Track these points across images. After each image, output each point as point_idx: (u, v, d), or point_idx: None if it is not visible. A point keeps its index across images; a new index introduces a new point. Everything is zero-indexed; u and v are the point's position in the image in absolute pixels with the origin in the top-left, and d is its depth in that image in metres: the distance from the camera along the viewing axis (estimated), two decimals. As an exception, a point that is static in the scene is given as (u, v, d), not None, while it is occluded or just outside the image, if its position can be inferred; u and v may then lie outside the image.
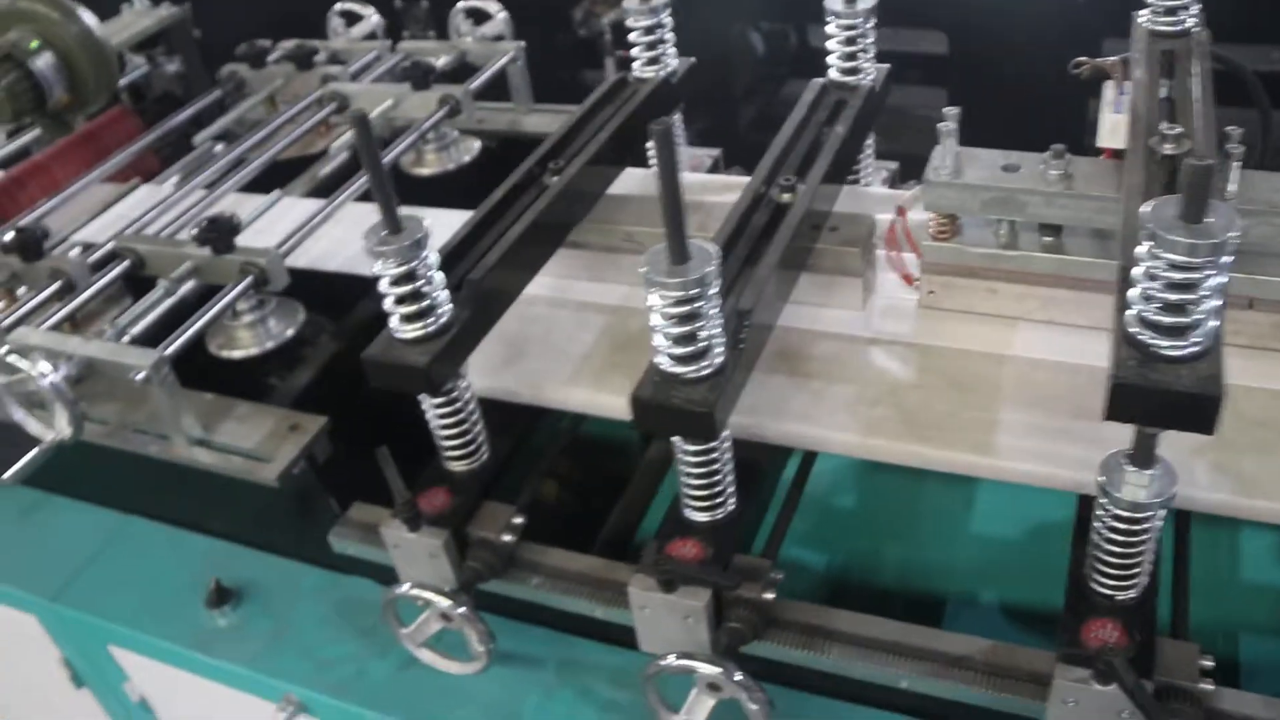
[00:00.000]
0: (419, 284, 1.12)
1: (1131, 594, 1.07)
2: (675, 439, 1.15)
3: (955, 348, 1.32)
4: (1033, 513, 1.63)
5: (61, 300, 1.51)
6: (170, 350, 1.34)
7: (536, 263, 1.40)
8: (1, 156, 1.89)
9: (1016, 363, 1.30)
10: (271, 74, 1.96)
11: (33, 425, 1.38)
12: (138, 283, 1.54)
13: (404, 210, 1.12)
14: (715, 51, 2.38)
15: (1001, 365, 1.30)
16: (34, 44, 1.64)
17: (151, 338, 1.40)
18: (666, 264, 0.99)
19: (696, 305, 1.00)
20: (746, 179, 1.46)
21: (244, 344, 1.54)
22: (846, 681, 1.21)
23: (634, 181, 1.59)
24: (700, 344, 1.03)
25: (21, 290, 1.57)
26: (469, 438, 1.31)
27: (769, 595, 1.17)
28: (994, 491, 1.64)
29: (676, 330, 1.01)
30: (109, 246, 1.57)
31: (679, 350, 1.03)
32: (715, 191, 1.57)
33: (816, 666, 1.19)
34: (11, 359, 1.31)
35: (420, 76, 1.75)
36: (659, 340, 1.03)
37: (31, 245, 1.52)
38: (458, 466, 1.33)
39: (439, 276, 1.13)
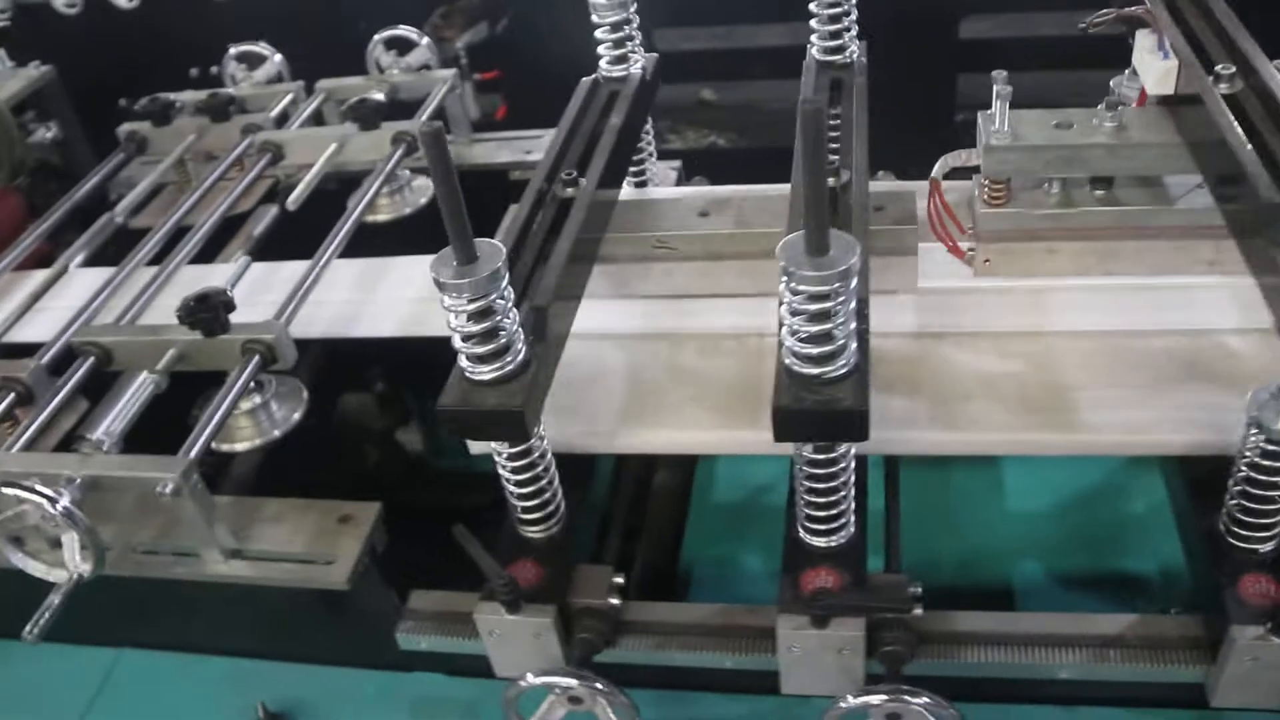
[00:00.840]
0: (498, 318, 0.99)
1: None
2: (804, 456, 1.08)
3: (1022, 331, 1.29)
4: (1059, 484, 1.60)
5: (15, 416, 1.29)
6: (194, 454, 1.15)
7: (583, 283, 1.28)
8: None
9: (1091, 337, 1.28)
10: (181, 130, 1.74)
11: (36, 567, 1.16)
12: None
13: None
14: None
15: (1076, 340, 1.27)
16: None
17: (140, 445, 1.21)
18: (806, 258, 0.91)
19: (837, 301, 0.92)
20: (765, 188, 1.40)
21: (245, 435, 1.35)
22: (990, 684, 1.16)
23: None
24: (838, 342, 0.95)
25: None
26: (549, 496, 1.19)
27: (918, 611, 1.10)
28: (1017, 469, 1.61)
29: (812, 328, 0.93)
30: (59, 345, 1.35)
31: (814, 350, 0.95)
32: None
33: (972, 674, 1.14)
34: (10, 491, 1.09)
35: (368, 115, 1.58)
36: (789, 340, 0.96)
37: (-27, 355, 1.29)
38: (536, 531, 1.20)
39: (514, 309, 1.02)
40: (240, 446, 1.33)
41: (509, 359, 1.02)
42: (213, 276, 1.54)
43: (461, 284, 0.96)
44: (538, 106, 1.97)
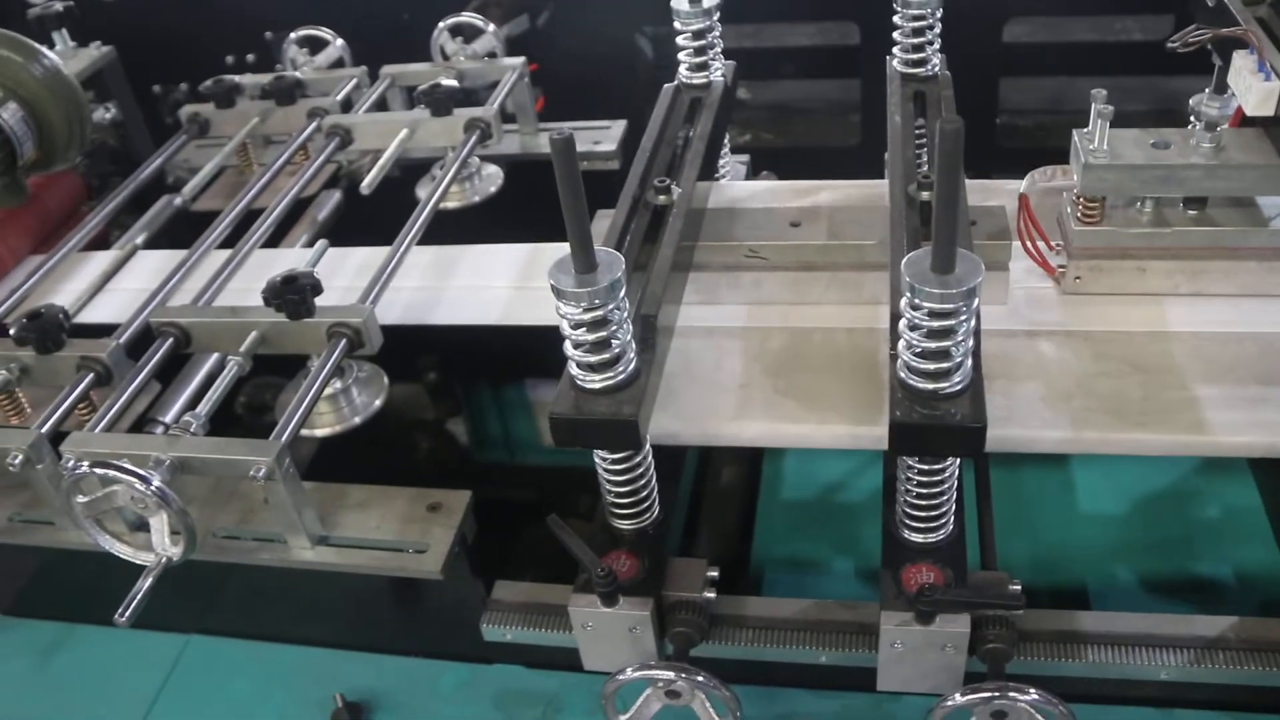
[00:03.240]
0: (613, 328, 0.98)
1: None
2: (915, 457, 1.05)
3: (1117, 330, 1.26)
4: (1129, 485, 1.57)
5: (90, 396, 1.24)
6: (286, 438, 1.10)
7: (681, 291, 1.25)
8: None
9: (1182, 339, 1.24)
10: (244, 113, 1.69)
11: (122, 550, 1.11)
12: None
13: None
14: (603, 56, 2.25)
15: (1169, 343, 1.24)
16: (-3, 95, 1.34)
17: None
18: (932, 275, 0.90)
19: (959, 319, 0.91)
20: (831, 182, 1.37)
21: (326, 421, 1.30)
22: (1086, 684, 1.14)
23: (728, 194, 1.44)
24: (955, 359, 0.94)
25: None
26: (647, 491, 1.15)
27: (1019, 610, 1.07)
28: (1087, 469, 1.58)
29: (931, 344, 0.93)
30: (136, 326, 1.30)
31: (931, 366, 0.95)
32: (809, 195, 1.44)
33: (1068, 673, 1.12)
34: (101, 471, 1.05)
35: (441, 101, 1.54)
36: (906, 355, 0.96)
37: (51, 333, 1.24)
38: (629, 525, 1.17)
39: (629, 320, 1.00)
40: (320, 432, 1.29)
41: (621, 369, 1.01)
42: (281, 260, 1.49)
43: (580, 293, 0.94)
44: (575, 100, 1.94)
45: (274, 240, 1.55)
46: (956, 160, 0.84)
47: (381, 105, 1.71)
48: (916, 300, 0.90)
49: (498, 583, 1.23)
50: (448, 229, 1.52)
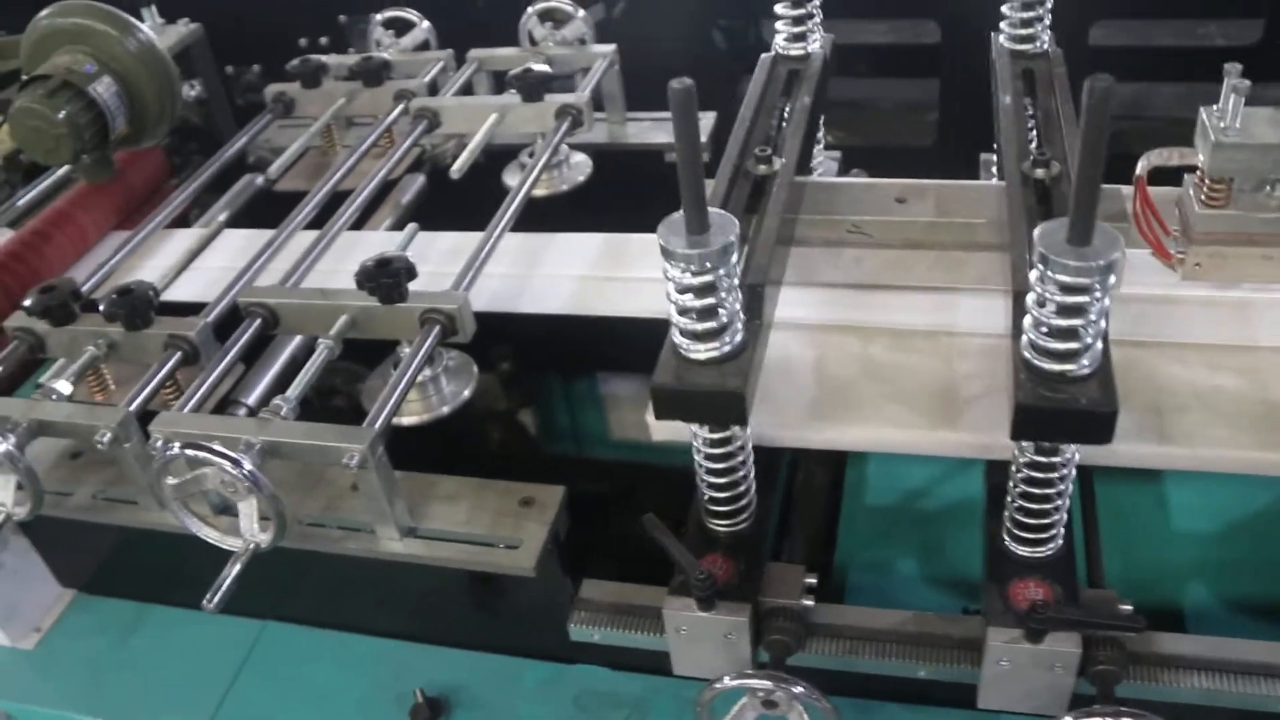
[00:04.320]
0: (722, 295, 0.92)
1: None
2: (1025, 459, 0.99)
3: (1230, 342, 1.18)
4: (1225, 504, 1.49)
5: (175, 376, 1.20)
6: (379, 425, 1.05)
7: (784, 265, 1.19)
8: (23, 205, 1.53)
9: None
10: (330, 93, 1.65)
11: (209, 534, 1.07)
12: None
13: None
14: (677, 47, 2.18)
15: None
16: (91, 68, 1.30)
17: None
18: (1068, 247, 0.83)
19: (1094, 295, 0.84)
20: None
21: (413, 410, 1.25)
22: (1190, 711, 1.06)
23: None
24: (1086, 339, 0.87)
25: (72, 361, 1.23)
26: (744, 489, 1.09)
27: (1138, 632, 1.01)
28: (1182, 486, 1.50)
29: (1061, 322, 0.86)
30: (224, 305, 1.26)
31: (1060, 345, 0.87)
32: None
33: (1173, 699, 1.04)
34: (193, 453, 1.00)
35: (533, 86, 1.48)
36: (1033, 334, 0.89)
37: (140, 308, 1.19)
38: (726, 526, 1.11)
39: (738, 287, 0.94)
40: (407, 420, 1.24)
41: (728, 338, 0.95)
42: (367, 243, 1.45)
43: (691, 254, 0.88)
44: (648, 92, 1.88)
45: (358, 223, 1.51)
46: (1103, 121, 0.77)
47: (468, 90, 1.66)
48: (1049, 273, 0.83)
49: (585, 581, 1.17)
50: (534, 216, 1.47)
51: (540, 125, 1.51)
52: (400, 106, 1.58)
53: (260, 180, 1.72)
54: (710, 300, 0.92)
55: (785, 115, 1.34)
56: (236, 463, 1.00)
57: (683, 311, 0.94)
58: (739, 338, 0.96)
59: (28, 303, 1.22)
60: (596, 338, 1.35)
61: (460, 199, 1.58)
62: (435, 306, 1.15)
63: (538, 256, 1.39)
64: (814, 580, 1.11)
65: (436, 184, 1.66)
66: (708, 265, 0.89)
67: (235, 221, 1.64)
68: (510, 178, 1.61)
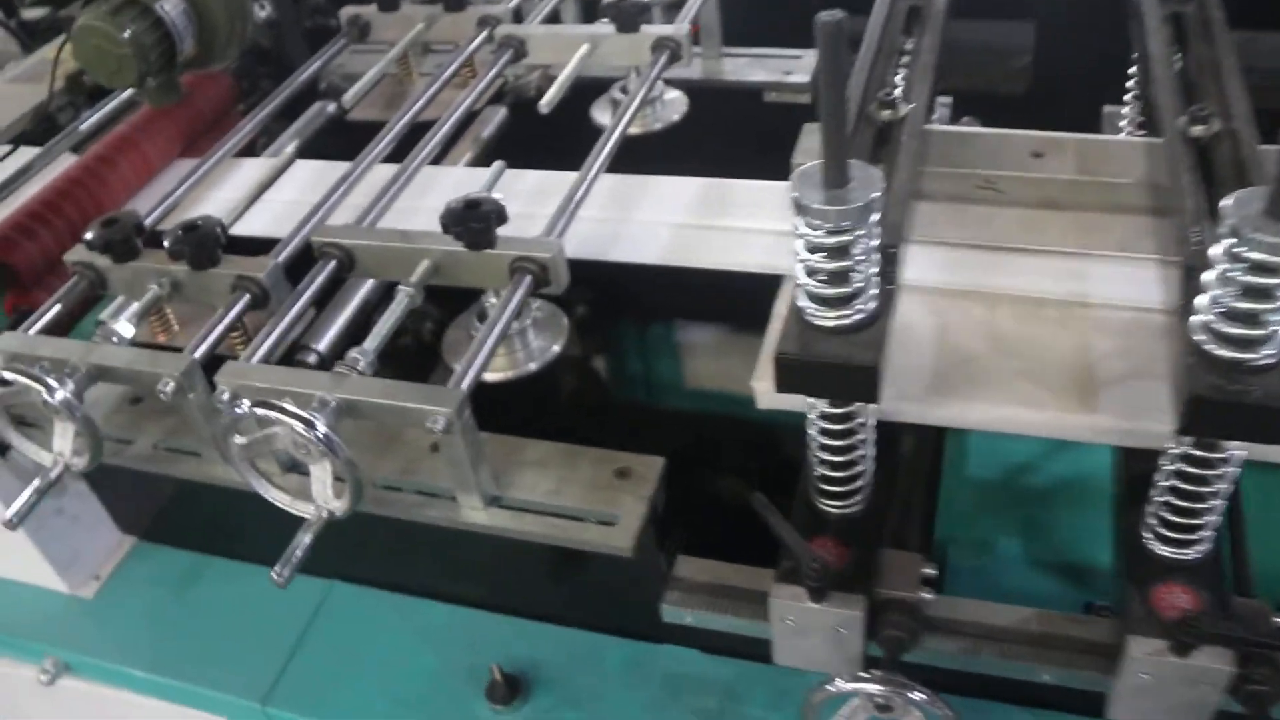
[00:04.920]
0: (859, 258, 0.80)
1: None
2: (1180, 454, 0.87)
3: None
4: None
5: (244, 319, 1.09)
6: (466, 385, 0.94)
7: (910, 223, 1.06)
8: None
9: None
10: (409, 17, 1.52)
11: (279, 497, 0.97)
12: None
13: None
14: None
15: None
16: (159, -18, 1.18)
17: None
18: (1260, 218, 0.71)
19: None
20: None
21: (497, 365, 1.13)
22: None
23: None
24: (1272, 325, 0.75)
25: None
26: (862, 468, 0.98)
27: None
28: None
29: (1246, 305, 0.74)
30: (295, 244, 1.14)
31: (1243, 331, 0.75)
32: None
33: None
34: (263, 413, 0.89)
35: (630, 15, 1.34)
36: (1209, 315, 0.77)
37: (207, 246, 1.08)
38: (839, 506, 0.99)
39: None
40: (490, 377, 1.12)
41: (860, 305, 0.83)
42: (446, 179, 1.32)
43: (828, 211, 0.76)
44: (746, 24, 1.73)
45: (437, 158, 1.38)
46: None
47: (554, 17, 1.52)
48: (1239, 249, 0.71)
49: (680, 559, 1.06)
50: (625, 156, 1.33)
51: (634, 58, 1.38)
52: (484, 33, 1.44)
53: (332, 108, 1.60)
54: (845, 263, 0.81)
55: (907, 56, 1.20)
56: (310, 424, 0.89)
57: (812, 273, 0.82)
58: (873, 305, 0.84)
59: (89, 236, 1.11)
60: (697, 291, 1.23)
61: (545, 134, 1.45)
62: (527, 254, 1.03)
63: (632, 200, 1.26)
64: (933, 570, 0.99)
65: (519, 117, 1.53)
66: (845, 224, 0.78)
67: (305, 151, 1.52)
68: (600, 114, 1.47)
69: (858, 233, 0.79)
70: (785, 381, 0.86)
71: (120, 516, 1.31)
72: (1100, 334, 1.02)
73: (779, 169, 1.54)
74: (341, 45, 1.54)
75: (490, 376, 1.13)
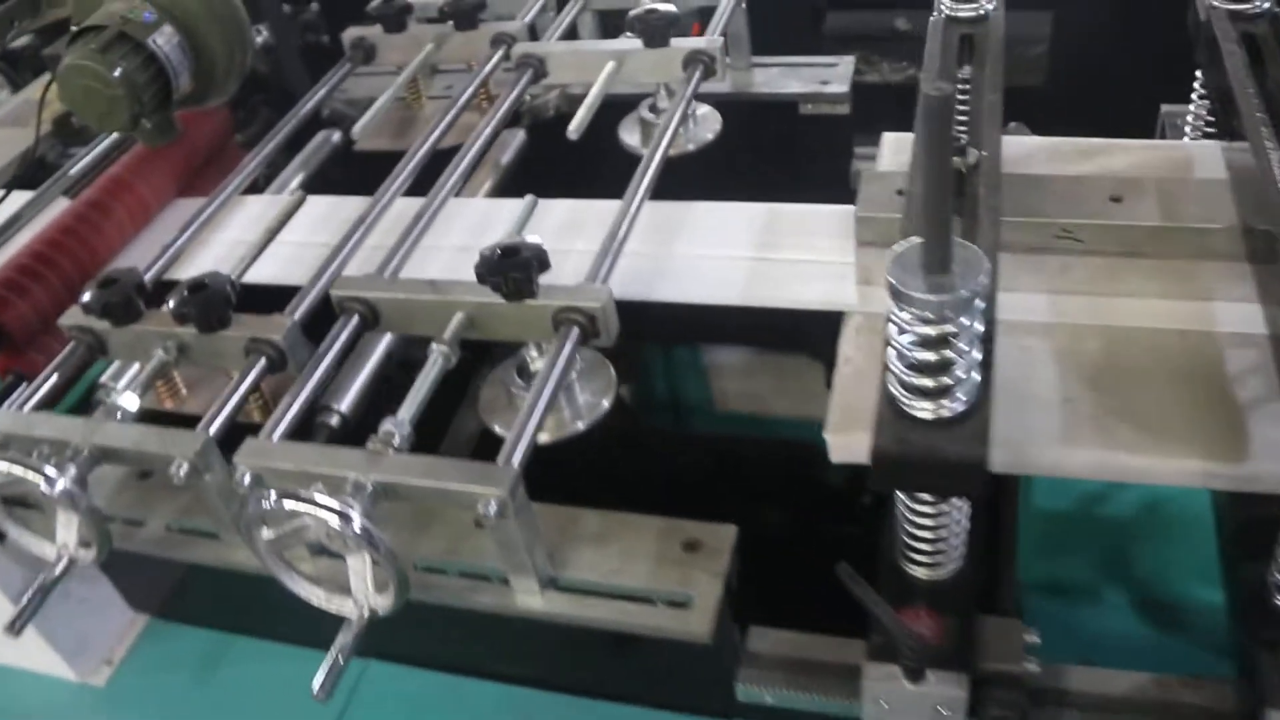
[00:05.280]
0: (964, 349, 0.72)
1: None
2: None
3: None
4: None
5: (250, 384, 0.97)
6: (518, 460, 0.83)
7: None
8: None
9: None
10: (417, 38, 1.40)
11: (316, 595, 0.85)
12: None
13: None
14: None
15: None
16: (150, 16, 1.06)
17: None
18: None
19: None
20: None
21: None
22: None
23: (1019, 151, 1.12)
24: None
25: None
26: (956, 529, 0.87)
27: None
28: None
29: None
30: (313, 297, 1.03)
31: None
32: (1096, 157, 1.12)
33: None
34: (292, 505, 0.78)
35: (657, 29, 1.23)
36: None
37: (216, 308, 0.96)
38: (930, 571, 0.89)
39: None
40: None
41: (962, 396, 0.75)
42: (468, 212, 1.21)
43: (932, 301, 0.68)
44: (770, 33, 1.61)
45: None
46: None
47: (571, 33, 1.40)
48: None
49: (753, 630, 0.95)
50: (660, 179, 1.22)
51: (664, 75, 1.26)
52: (499, 53, 1.32)
53: (337, 137, 1.48)
54: (947, 354, 0.72)
55: (969, 93, 1.09)
56: (346, 517, 0.77)
57: (910, 364, 0.72)
58: (974, 393, 0.75)
59: (86, 298, 1.00)
60: (753, 330, 1.12)
61: (567, 158, 1.33)
62: (573, 304, 0.92)
63: (671, 230, 1.15)
64: (1036, 639, 0.89)
65: (537, 140, 1.42)
66: (948, 314, 0.69)
67: (310, 185, 1.41)
68: (629, 135, 1.35)
69: (963, 322, 0.70)
70: (882, 478, 0.77)
71: (131, 594, 1.19)
72: (1201, 366, 0.92)
73: (821, 187, 1.43)
74: (346, 70, 1.42)
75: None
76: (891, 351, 0.75)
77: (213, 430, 0.90)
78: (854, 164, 1.42)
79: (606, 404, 1.02)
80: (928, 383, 0.74)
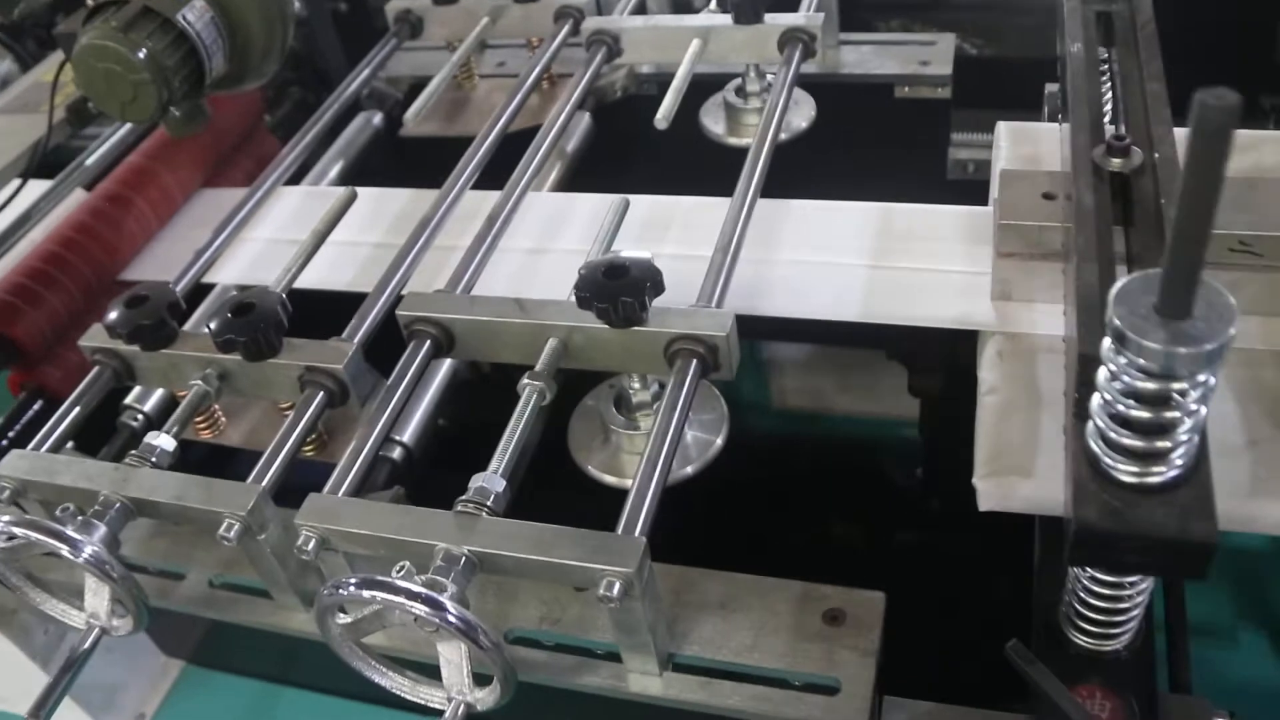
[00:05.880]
0: (1193, 408, 0.57)
1: None
2: None
3: None
4: None
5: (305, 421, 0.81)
6: (643, 533, 0.67)
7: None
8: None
9: None
10: (471, 10, 1.23)
11: (403, 686, 0.70)
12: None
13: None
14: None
15: None
16: (180, -13, 0.89)
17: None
18: None
19: None
20: None
21: (631, 471, 0.86)
22: None
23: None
24: None
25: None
26: (1139, 601, 0.73)
27: None
28: None
29: None
30: (375, 318, 0.87)
31: None
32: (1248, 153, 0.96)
33: None
34: (370, 594, 0.63)
35: (749, 4, 1.06)
36: None
37: (265, 333, 0.80)
38: (1106, 644, 0.74)
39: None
40: (630, 483, 0.85)
41: (1182, 459, 0.59)
42: (535, 209, 1.04)
43: (1160, 352, 0.52)
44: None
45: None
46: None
47: (640, 8, 1.23)
48: None
49: (887, 700, 0.80)
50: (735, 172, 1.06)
51: (757, 54, 1.10)
52: (566, 27, 1.15)
53: (378, 120, 1.32)
54: (1175, 414, 0.56)
55: (1117, 78, 0.93)
56: (437, 605, 0.62)
57: (1122, 420, 0.58)
58: (1195, 456, 0.59)
59: (111, 317, 0.84)
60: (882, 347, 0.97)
61: (638, 147, 1.18)
62: (690, 333, 0.76)
63: (775, 231, 0.99)
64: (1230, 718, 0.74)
65: (602, 125, 1.25)
66: (1183, 370, 0.54)
67: (354, 176, 1.25)
68: (712, 121, 1.19)
69: (1199, 378, 0.55)
70: (1084, 554, 0.61)
71: (164, 639, 1.04)
72: None
73: (925, 181, 1.27)
74: (392, 47, 1.25)
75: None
76: (1098, 404, 0.60)
77: (266, 481, 0.75)
78: (951, 152, 1.26)
79: (720, 442, 0.87)
80: (1148, 445, 0.59)
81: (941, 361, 1.12)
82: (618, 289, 0.76)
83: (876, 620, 0.74)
